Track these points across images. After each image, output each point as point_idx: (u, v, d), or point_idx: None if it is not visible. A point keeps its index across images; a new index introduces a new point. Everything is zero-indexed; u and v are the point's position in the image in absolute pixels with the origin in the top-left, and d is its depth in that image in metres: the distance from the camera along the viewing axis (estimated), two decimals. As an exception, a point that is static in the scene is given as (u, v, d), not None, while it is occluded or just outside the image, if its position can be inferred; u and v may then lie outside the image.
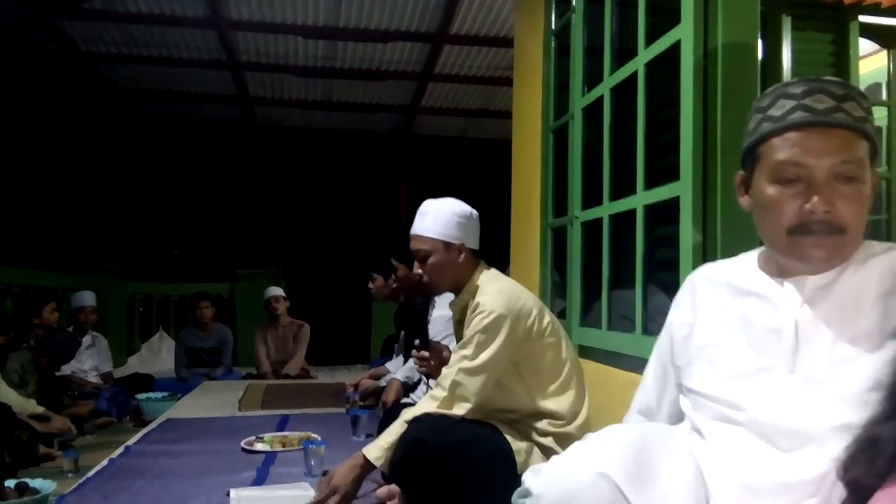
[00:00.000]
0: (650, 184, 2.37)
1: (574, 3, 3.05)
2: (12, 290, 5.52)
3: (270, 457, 2.76)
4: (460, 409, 2.01)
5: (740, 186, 1.22)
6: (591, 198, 2.87)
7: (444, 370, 2.09)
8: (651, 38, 2.35)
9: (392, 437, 2.00)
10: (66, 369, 4.94)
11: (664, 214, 2.26)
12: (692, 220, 2.04)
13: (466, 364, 2.02)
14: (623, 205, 2.55)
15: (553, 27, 3.38)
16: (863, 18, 2.87)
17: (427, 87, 7.38)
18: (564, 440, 1.96)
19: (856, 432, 1.01)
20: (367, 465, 2.01)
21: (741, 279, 1.22)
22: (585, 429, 2.03)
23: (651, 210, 2.37)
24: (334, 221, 9.17)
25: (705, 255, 2.03)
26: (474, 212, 2.25)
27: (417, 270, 2.23)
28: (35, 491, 2.40)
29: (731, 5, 2.04)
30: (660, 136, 2.37)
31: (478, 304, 2.08)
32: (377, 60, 6.73)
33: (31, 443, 3.45)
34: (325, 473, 2.23)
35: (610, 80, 2.69)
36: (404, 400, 3.22)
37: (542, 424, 2.09)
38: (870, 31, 3.09)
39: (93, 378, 5.25)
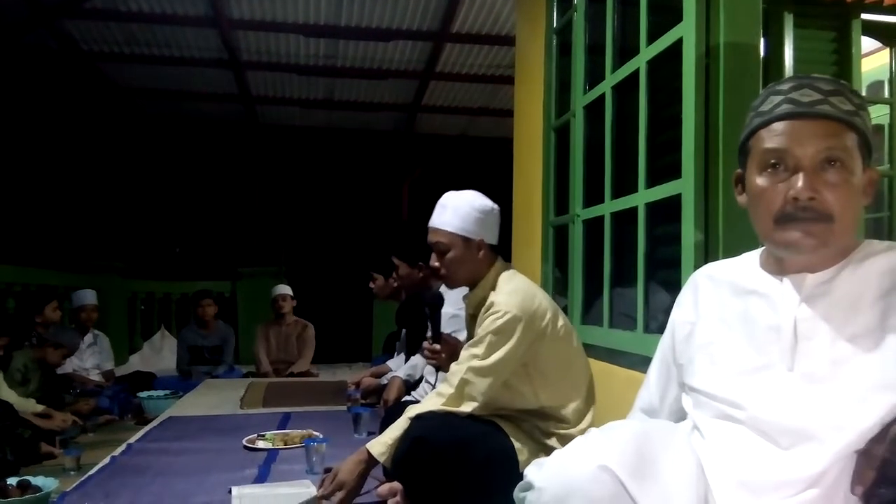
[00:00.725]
0: (652, 182, 2.37)
1: (575, 1, 3.05)
2: (14, 288, 5.53)
3: (272, 454, 2.77)
4: (467, 408, 2.01)
5: (737, 184, 1.23)
6: (593, 196, 2.87)
7: (454, 366, 2.08)
8: (653, 36, 2.35)
9: (396, 432, 2.01)
10: (68, 367, 4.96)
11: (666, 212, 2.26)
12: (694, 218, 2.04)
13: (476, 363, 2.01)
14: (624, 203, 2.55)
15: (554, 25, 3.38)
16: (865, 16, 2.87)
17: (428, 85, 7.37)
18: (568, 442, 1.95)
19: (855, 432, 1.01)
20: (371, 461, 2.01)
21: (742, 278, 1.22)
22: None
23: (652, 208, 2.37)
24: (336, 220, 9.17)
25: (707, 252, 2.03)
26: (494, 206, 2.22)
27: (434, 263, 2.20)
28: (37, 489, 2.40)
29: (733, 3, 2.04)
30: (661, 134, 2.37)
31: (492, 304, 2.06)
32: (378, 59, 6.73)
33: (33, 441, 3.47)
34: (327, 471, 2.24)
35: (611, 79, 2.69)
36: (406, 398, 3.22)
37: (547, 426, 2.09)
38: (872, 29, 3.09)
39: (94, 376, 5.26)
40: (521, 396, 2.09)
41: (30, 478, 2.47)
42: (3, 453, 3.22)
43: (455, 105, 8.11)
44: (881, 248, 1.13)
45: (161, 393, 4.84)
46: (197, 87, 7.59)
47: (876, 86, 3.93)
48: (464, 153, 9.09)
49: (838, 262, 1.12)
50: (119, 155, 8.36)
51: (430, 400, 2.08)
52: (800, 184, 1.08)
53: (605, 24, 2.76)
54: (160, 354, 7.58)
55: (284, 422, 3.41)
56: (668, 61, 2.25)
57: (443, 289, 2.59)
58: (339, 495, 1.98)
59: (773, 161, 1.11)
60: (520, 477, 1.14)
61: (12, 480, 2.43)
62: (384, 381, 3.77)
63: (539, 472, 1.09)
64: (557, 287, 3.29)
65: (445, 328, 2.47)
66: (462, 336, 2.48)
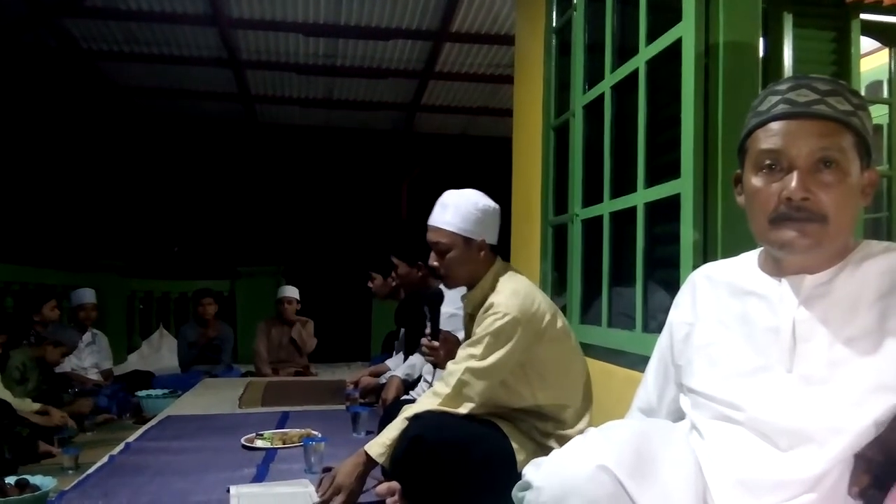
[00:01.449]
0: (651, 181, 2.37)
1: (575, 0, 3.05)
2: (13, 287, 5.52)
3: (270, 454, 2.76)
4: (463, 409, 2.01)
5: (736, 184, 1.23)
6: (592, 195, 2.87)
7: (451, 366, 2.08)
8: (652, 36, 2.35)
9: (393, 433, 2.00)
10: (67, 366, 4.95)
11: (665, 212, 2.26)
12: (693, 218, 2.04)
13: (474, 364, 2.01)
14: (624, 202, 2.55)
15: (554, 25, 3.38)
16: (864, 16, 2.87)
17: (428, 84, 7.38)
18: (566, 442, 1.95)
19: (852, 434, 1.01)
20: (370, 462, 2.01)
21: (741, 278, 1.22)
22: None
23: (652, 208, 2.37)
24: (335, 219, 9.17)
25: (706, 252, 2.03)
26: (495, 205, 2.21)
27: (434, 263, 2.19)
28: (35, 487, 2.40)
29: (733, 3, 2.04)
30: (660, 134, 2.37)
31: (491, 304, 2.06)
32: (378, 58, 6.73)
33: (31, 439, 3.46)
34: (326, 470, 2.24)
35: (611, 78, 2.69)
36: (404, 397, 3.22)
37: (545, 426, 2.09)
38: (871, 30, 3.09)
39: (93, 375, 5.25)
40: (519, 396, 2.09)
41: (28, 476, 2.46)
42: (2, 452, 3.22)
43: (454, 104, 8.11)
44: (880, 249, 1.13)
45: (159, 392, 4.84)
46: (196, 86, 7.59)
47: (875, 86, 3.93)
48: (463, 152, 9.09)
49: (837, 263, 1.12)
50: (118, 154, 8.36)
51: (426, 399, 2.08)
52: (793, 184, 1.07)
53: (605, 24, 2.76)
54: (159, 353, 7.57)
55: (283, 421, 3.41)
56: (668, 61, 2.25)
57: (442, 286, 2.58)
58: (338, 499, 1.98)
59: (768, 161, 1.11)
60: (518, 477, 1.13)
61: (10, 479, 2.42)
62: (383, 380, 3.77)
63: (537, 472, 1.08)
64: (556, 286, 3.29)
65: (444, 327, 2.46)
66: (460, 335, 2.48)
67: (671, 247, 2.17)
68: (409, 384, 3.40)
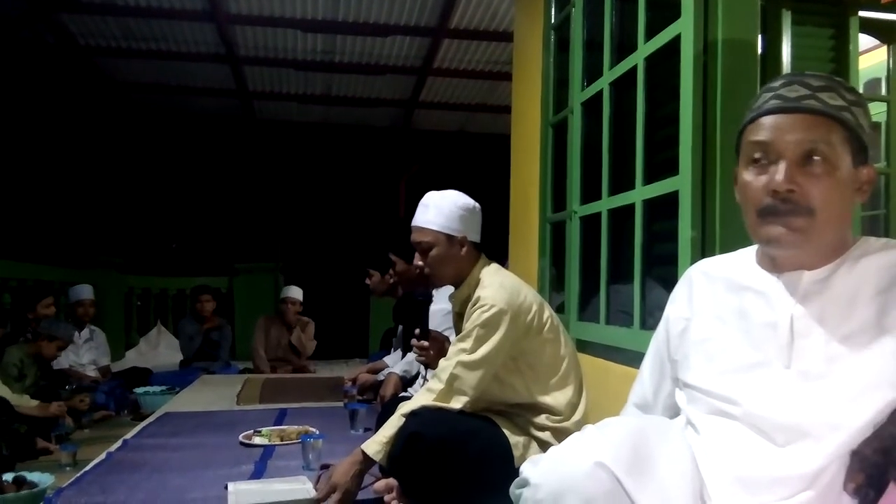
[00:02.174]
0: (649, 178, 2.37)
1: (574, -3, 3.04)
2: (10, 283, 5.51)
3: (268, 450, 2.77)
4: (457, 403, 2.01)
5: (736, 181, 1.23)
6: (590, 192, 2.87)
7: (442, 362, 2.09)
8: (651, 33, 2.35)
9: (390, 430, 2.01)
10: (64, 363, 4.95)
11: (663, 209, 2.26)
12: (691, 215, 2.04)
13: (465, 357, 2.02)
14: (622, 199, 2.55)
15: (553, 21, 3.37)
16: (863, 14, 2.87)
17: (426, 81, 7.36)
18: (562, 435, 1.96)
19: (849, 430, 1.01)
20: (367, 461, 2.01)
21: (738, 274, 1.22)
22: (583, 424, 2.01)
23: (650, 205, 2.37)
24: (333, 216, 9.16)
25: (704, 249, 2.03)
26: (476, 204, 2.25)
27: (418, 262, 2.22)
28: (33, 484, 2.40)
29: (731, 0, 2.03)
30: (659, 131, 2.37)
31: (478, 298, 2.07)
32: (376, 54, 6.72)
33: (29, 436, 3.46)
34: (324, 467, 2.24)
35: (609, 75, 2.69)
36: (402, 394, 3.22)
37: (540, 419, 2.09)
38: (870, 27, 3.09)
39: (91, 372, 5.25)
40: (513, 390, 2.10)
41: (25, 473, 2.47)
42: (-1, 449, 3.22)
43: (453, 101, 8.10)
44: (878, 246, 1.13)
45: (157, 389, 4.84)
46: (194, 82, 7.57)
47: (873, 83, 3.93)
48: (461, 149, 9.09)
49: (834, 260, 1.12)
50: (115, 150, 8.35)
51: (420, 396, 2.08)
52: (779, 175, 1.08)
53: (604, 21, 2.75)
54: (156, 350, 7.57)
55: (281, 418, 3.41)
56: (666, 58, 2.25)
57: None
58: (334, 497, 1.98)
59: (756, 155, 1.12)
60: (515, 471, 1.14)
61: (8, 476, 2.42)
62: (381, 377, 3.78)
63: (535, 469, 1.09)
64: (554, 283, 3.29)
65: (440, 325, 2.48)
66: (451, 334, 2.49)
67: (669, 244, 2.17)
68: (407, 381, 3.40)
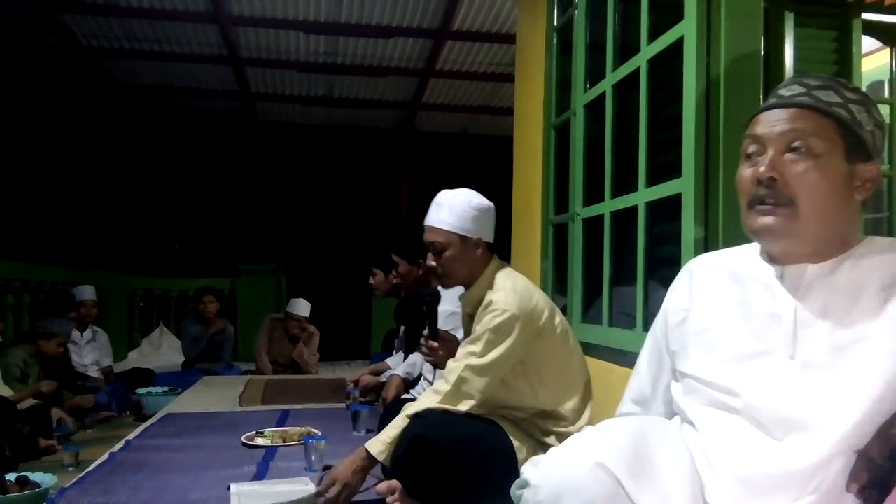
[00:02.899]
0: (652, 180, 2.37)
1: (576, -1, 3.05)
2: (13, 284, 5.51)
3: (271, 451, 2.76)
4: (464, 406, 2.00)
5: None
6: (593, 194, 2.87)
7: (450, 364, 2.08)
8: (654, 35, 2.35)
9: (394, 431, 2.00)
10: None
11: (666, 211, 2.26)
12: (694, 217, 2.04)
13: (474, 361, 2.01)
14: (625, 201, 2.55)
15: (555, 23, 3.38)
16: (866, 16, 2.86)
17: (428, 83, 7.37)
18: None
19: (849, 423, 1.01)
20: (370, 460, 2.01)
21: (741, 266, 1.23)
22: None
23: (653, 207, 2.37)
24: (335, 217, 9.17)
25: (706, 251, 2.02)
26: (490, 204, 2.21)
27: (431, 263, 2.19)
28: (36, 484, 2.40)
29: (735, 2, 2.04)
30: (662, 133, 2.37)
31: (490, 302, 2.05)
32: (379, 56, 6.73)
33: (31, 436, 3.46)
34: (326, 468, 2.24)
35: (612, 77, 2.69)
36: (405, 396, 3.22)
37: (546, 424, 2.08)
38: (872, 29, 3.09)
39: (93, 373, 5.25)
40: (519, 394, 2.09)
41: (28, 473, 2.46)
42: (2, 449, 3.22)
43: (455, 103, 8.11)
44: (885, 244, 1.13)
45: (160, 389, 4.83)
46: (197, 84, 7.59)
47: (876, 85, 3.92)
48: (463, 151, 9.09)
49: (838, 255, 1.12)
50: (118, 151, 8.36)
51: (426, 397, 2.07)
52: (762, 165, 1.11)
53: (606, 23, 2.75)
54: (159, 351, 7.58)
55: (283, 419, 3.41)
56: (669, 60, 2.25)
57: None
58: (334, 489, 1.97)
59: (750, 150, 1.16)
60: (518, 475, 1.13)
61: (11, 476, 2.42)
62: (383, 378, 3.77)
63: (535, 470, 1.09)
64: (557, 286, 3.29)
65: (444, 326, 2.46)
66: (459, 334, 2.48)
67: (672, 246, 2.17)
68: (410, 383, 3.40)
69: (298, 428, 3.05)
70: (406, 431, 1.97)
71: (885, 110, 3.39)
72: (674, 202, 2.16)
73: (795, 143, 1.09)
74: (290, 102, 8.16)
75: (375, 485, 2.03)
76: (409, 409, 2.05)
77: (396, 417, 2.05)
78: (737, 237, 1.90)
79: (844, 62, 2.78)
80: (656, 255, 2.39)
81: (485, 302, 2.08)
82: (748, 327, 1.15)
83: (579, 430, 2.00)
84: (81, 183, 7.81)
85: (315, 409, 3.76)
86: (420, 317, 3.52)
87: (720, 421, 1.13)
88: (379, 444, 2.00)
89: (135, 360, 7.07)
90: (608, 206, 2.69)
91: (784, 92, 1.15)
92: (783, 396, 1.07)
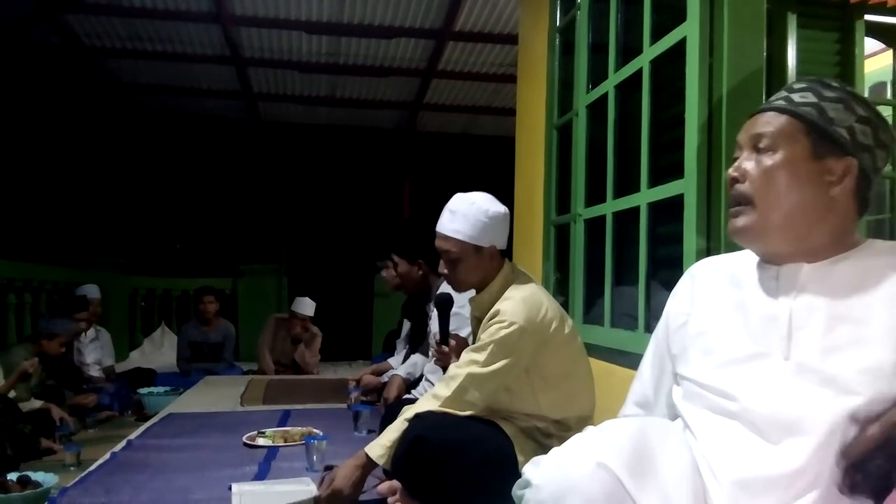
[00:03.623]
0: (654, 181, 2.36)
1: (579, -1, 3.05)
2: (15, 283, 5.52)
3: (272, 452, 2.77)
4: (463, 414, 2.00)
5: None
6: (595, 195, 2.86)
7: (453, 368, 2.07)
8: (656, 36, 2.35)
9: (393, 434, 2.00)
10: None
11: (668, 212, 2.26)
12: (696, 218, 2.04)
13: (476, 370, 1.99)
14: (627, 202, 2.55)
15: (558, 24, 3.37)
16: (868, 17, 2.86)
17: (431, 83, 7.37)
18: (567, 442, 1.95)
19: (842, 423, 1.00)
20: (370, 464, 2.01)
21: (740, 269, 1.24)
22: None
23: (655, 208, 2.37)
24: (337, 217, 9.17)
25: (708, 253, 2.02)
26: (505, 210, 2.17)
27: (443, 270, 2.18)
28: (37, 484, 2.41)
29: (737, 3, 2.03)
30: (664, 134, 2.37)
31: (498, 312, 2.03)
32: (381, 57, 6.73)
33: (33, 436, 3.47)
34: (327, 468, 2.24)
35: (615, 77, 2.69)
36: (406, 396, 3.22)
37: (548, 428, 2.08)
38: (875, 31, 3.08)
39: (95, 372, 5.26)
40: (521, 400, 2.08)
41: (30, 473, 2.47)
42: (4, 448, 3.23)
43: (457, 103, 8.10)
44: (883, 247, 1.13)
45: (161, 389, 4.85)
46: (199, 84, 7.59)
47: (879, 87, 3.92)
48: (465, 151, 9.09)
49: (835, 254, 1.12)
50: (120, 151, 8.37)
51: (426, 401, 2.06)
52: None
53: (609, 23, 2.75)
54: (160, 351, 7.59)
55: (284, 419, 3.41)
56: (672, 61, 2.25)
57: (448, 288, 2.55)
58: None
59: (734, 155, 1.21)
60: (519, 476, 1.13)
61: (12, 476, 2.43)
62: (384, 378, 3.77)
63: (536, 470, 1.09)
64: (558, 286, 3.29)
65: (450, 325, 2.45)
66: (464, 333, 2.48)
67: (674, 247, 2.17)
68: (411, 383, 3.40)
69: (300, 428, 3.06)
70: (406, 433, 1.97)
71: (887, 111, 3.39)
72: (676, 203, 2.15)
73: (761, 144, 1.14)
74: (292, 102, 8.16)
75: (377, 485, 2.03)
76: (409, 411, 2.04)
77: (395, 421, 2.05)
78: (739, 238, 1.91)
79: (847, 63, 2.77)
80: (658, 255, 2.39)
81: (493, 311, 2.07)
82: (746, 329, 1.16)
83: (581, 434, 2.01)
84: (83, 182, 7.82)
85: (316, 409, 3.76)
86: (422, 317, 3.52)
87: (717, 426, 1.13)
88: (378, 448, 2.00)
89: (136, 359, 7.08)
90: (610, 206, 2.69)
91: (772, 98, 1.20)
92: (777, 399, 1.07)
